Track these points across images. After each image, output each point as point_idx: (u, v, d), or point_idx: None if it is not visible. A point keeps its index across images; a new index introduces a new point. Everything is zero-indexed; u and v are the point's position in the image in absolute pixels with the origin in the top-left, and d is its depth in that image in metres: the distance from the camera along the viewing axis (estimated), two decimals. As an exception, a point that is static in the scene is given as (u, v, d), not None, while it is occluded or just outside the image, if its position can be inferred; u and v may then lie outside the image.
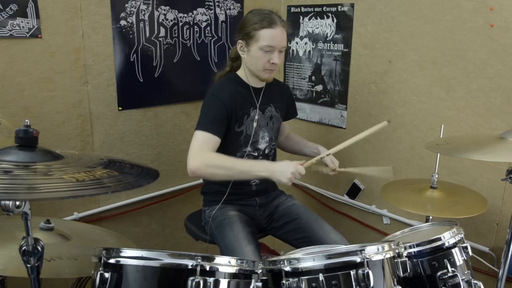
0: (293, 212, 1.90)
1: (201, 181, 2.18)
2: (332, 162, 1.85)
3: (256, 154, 1.88)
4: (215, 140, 1.70)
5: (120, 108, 2.17)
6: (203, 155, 1.65)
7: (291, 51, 2.63)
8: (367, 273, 1.15)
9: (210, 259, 1.15)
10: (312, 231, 1.80)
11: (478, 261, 1.93)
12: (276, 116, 1.93)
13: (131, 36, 2.12)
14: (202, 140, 1.69)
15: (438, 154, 1.80)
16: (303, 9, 2.52)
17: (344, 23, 2.33)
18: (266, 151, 1.91)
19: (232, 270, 1.17)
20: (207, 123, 1.72)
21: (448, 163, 2.00)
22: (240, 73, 1.86)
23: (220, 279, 1.15)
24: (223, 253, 1.74)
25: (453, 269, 1.41)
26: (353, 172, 1.87)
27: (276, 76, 2.70)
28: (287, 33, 1.77)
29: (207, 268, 1.13)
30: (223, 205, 1.86)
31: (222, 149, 1.75)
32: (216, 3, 2.40)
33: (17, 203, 0.99)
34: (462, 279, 1.40)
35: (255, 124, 1.84)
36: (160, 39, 2.23)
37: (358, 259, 1.18)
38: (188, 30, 2.32)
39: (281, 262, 1.21)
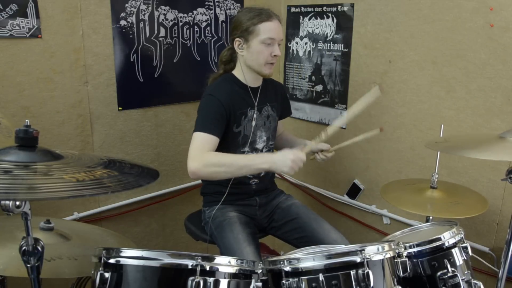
0: (293, 211, 1.90)
1: (201, 181, 2.18)
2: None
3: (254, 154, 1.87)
4: (213, 140, 1.70)
5: (120, 108, 2.17)
6: (202, 155, 1.64)
7: (291, 51, 2.63)
8: (367, 273, 1.15)
9: (210, 259, 1.15)
10: (312, 231, 1.80)
11: (478, 261, 1.92)
12: (273, 115, 1.93)
13: (131, 36, 2.12)
14: (200, 141, 1.68)
15: (438, 153, 1.80)
16: (303, 9, 2.52)
17: (344, 23, 2.32)
18: (264, 151, 1.91)
19: (232, 270, 1.17)
20: (205, 124, 1.72)
21: (448, 163, 2.00)
22: (237, 73, 1.86)
23: (220, 279, 1.15)
24: (223, 254, 1.73)
25: (453, 269, 1.41)
26: (345, 145, 1.85)
27: (276, 76, 2.71)
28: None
29: (207, 268, 1.13)
30: (223, 205, 1.86)
31: (221, 150, 1.75)
32: (216, 3, 2.40)
33: (17, 203, 0.98)
34: (462, 279, 1.40)
35: (253, 123, 1.84)
36: (160, 39, 2.23)
37: (358, 259, 1.18)
38: (188, 30, 2.32)
39: (281, 262, 1.21)
